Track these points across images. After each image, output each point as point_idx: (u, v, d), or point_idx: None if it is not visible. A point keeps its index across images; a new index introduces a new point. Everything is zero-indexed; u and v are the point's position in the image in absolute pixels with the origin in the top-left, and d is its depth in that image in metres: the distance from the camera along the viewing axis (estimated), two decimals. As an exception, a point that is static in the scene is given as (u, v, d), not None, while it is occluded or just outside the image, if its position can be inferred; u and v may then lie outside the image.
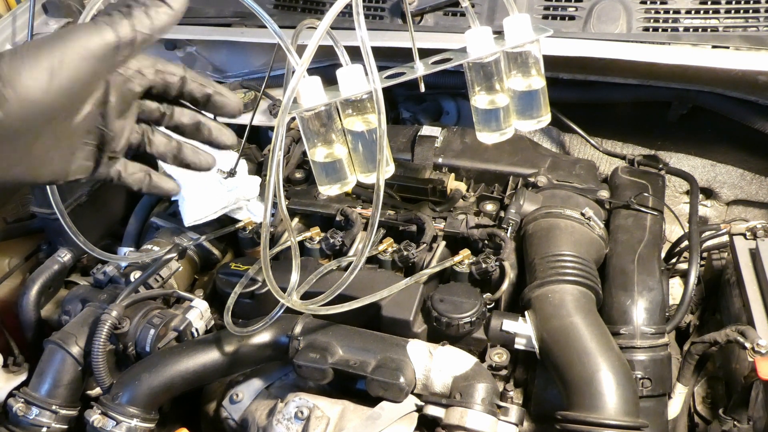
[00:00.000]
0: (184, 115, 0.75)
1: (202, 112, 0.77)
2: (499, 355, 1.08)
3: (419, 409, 1.01)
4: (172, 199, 1.38)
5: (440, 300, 1.10)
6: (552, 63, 1.19)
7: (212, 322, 1.19)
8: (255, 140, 1.67)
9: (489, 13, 1.48)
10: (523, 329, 1.07)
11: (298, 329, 1.06)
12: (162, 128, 0.76)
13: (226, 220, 1.37)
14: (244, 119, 1.61)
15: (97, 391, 1.18)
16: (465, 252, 1.19)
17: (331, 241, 1.26)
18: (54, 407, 1.07)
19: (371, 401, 1.01)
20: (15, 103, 0.56)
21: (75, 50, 0.58)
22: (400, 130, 1.52)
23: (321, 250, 1.27)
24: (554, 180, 1.35)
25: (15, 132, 0.58)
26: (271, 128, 1.64)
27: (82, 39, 0.58)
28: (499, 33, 0.91)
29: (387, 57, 1.26)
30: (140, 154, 0.76)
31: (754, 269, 1.19)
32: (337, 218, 1.32)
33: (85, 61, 0.58)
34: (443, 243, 1.27)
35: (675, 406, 1.14)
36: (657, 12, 1.39)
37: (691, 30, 1.36)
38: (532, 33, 0.90)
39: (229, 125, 0.86)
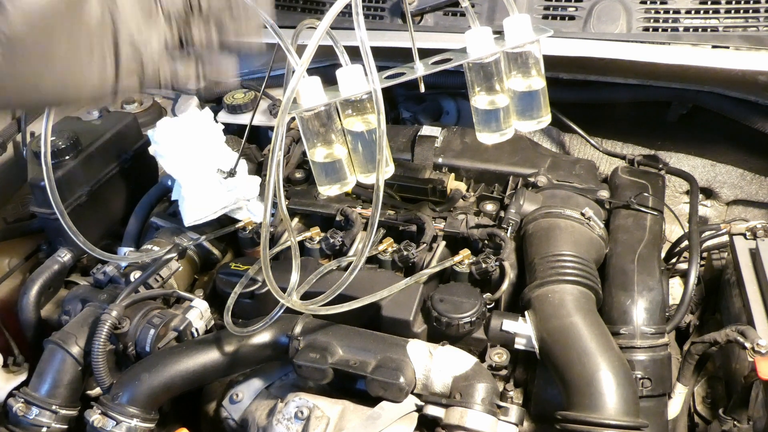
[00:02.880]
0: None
1: None
2: (499, 355, 1.08)
3: (419, 409, 1.01)
4: (172, 199, 1.39)
5: (440, 300, 1.10)
6: (552, 63, 1.19)
7: (212, 322, 1.19)
8: (255, 140, 1.67)
9: (489, 13, 1.48)
10: (523, 329, 1.07)
11: (298, 329, 1.06)
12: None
13: (226, 220, 1.37)
14: (244, 119, 1.62)
15: (97, 391, 1.18)
16: (465, 252, 1.19)
17: (331, 241, 1.26)
18: (54, 407, 1.07)
19: (371, 401, 1.01)
20: (14, 13, 0.58)
21: None
22: (400, 130, 1.52)
23: (321, 250, 1.27)
24: (554, 180, 1.35)
25: (24, 39, 0.60)
26: (271, 128, 1.64)
27: None
28: (499, 33, 0.91)
29: (387, 57, 1.26)
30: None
31: (754, 269, 1.19)
32: (337, 218, 1.32)
33: None
34: (443, 243, 1.27)
35: (675, 406, 1.14)
36: (657, 12, 1.39)
37: (691, 30, 1.36)
38: (532, 33, 0.90)
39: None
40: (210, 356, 1.06)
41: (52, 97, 0.66)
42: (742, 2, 1.35)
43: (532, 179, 1.34)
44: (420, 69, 0.92)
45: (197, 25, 0.73)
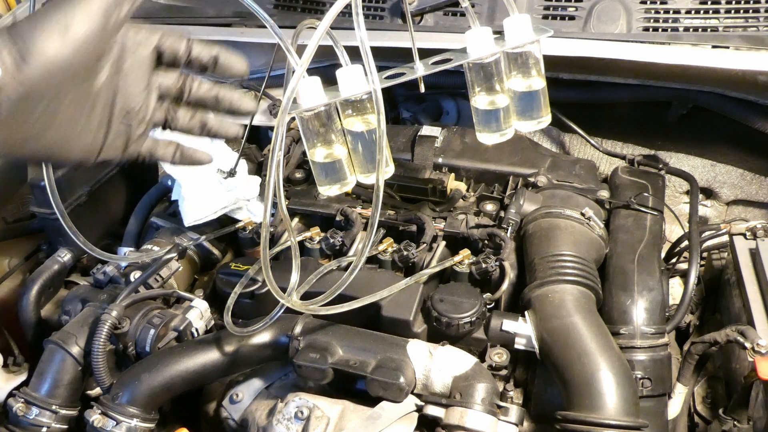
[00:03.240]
0: (201, 88, 0.78)
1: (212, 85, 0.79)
2: (499, 355, 1.08)
3: (419, 409, 1.01)
4: (172, 199, 1.39)
5: (440, 300, 1.10)
6: (552, 63, 1.19)
7: (212, 322, 1.19)
8: (255, 140, 1.67)
9: (489, 13, 1.48)
10: (523, 329, 1.07)
11: (298, 329, 1.06)
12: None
13: (226, 220, 1.37)
14: (245, 119, 1.62)
15: (97, 391, 1.18)
16: (465, 252, 1.19)
17: (331, 241, 1.26)
18: (54, 407, 1.07)
19: (371, 401, 1.01)
20: (36, 64, 0.61)
21: (80, 8, 0.63)
22: (400, 130, 1.52)
23: (321, 250, 1.27)
24: (554, 180, 1.35)
25: (40, 93, 0.63)
26: (271, 128, 1.64)
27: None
28: (499, 33, 0.91)
29: (387, 57, 1.26)
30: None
31: (754, 269, 1.19)
32: (337, 218, 1.32)
33: (91, 16, 0.64)
34: (443, 243, 1.27)
35: (675, 406, 1.14)
36: (657, 12, 1.39)
37: (691, 30, 1.36)
38: (532, 33, 0.90)
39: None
40: (210, 356, 1.06)
41: (49, 152, 0.68)
42: (742, 2, 1.35)
43: (532, 179, 1.34)
44: (420, 69, 0.92)
45: (184, 110, 0.78)
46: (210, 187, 1.31)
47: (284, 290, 0.91)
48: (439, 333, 1.10)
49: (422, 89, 0.97)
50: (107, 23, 0.65)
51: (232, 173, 1.32)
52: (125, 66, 0.71)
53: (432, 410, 0.99)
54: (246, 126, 1.37)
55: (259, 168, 1.51)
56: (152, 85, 0.75)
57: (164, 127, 0.78)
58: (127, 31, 0.71)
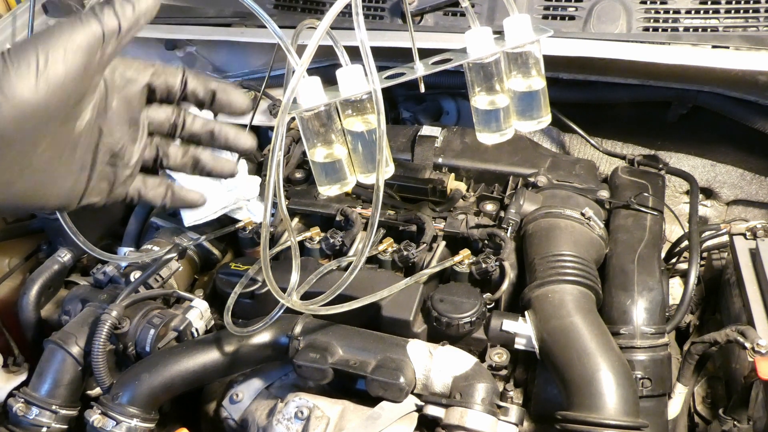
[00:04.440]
0: (195, 123, 0.73)
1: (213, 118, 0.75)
2: (499, 355, 1.08)
3: (419, 409, 1.01)
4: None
5: (440, 300, 1.10)
6: (552, 63, 1.19)
7: (212, 322, 1.19)
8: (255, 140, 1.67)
9: (489, 13, 1.48)
10: (523, 329, 1.07)
11: (298, 329, 1.06)
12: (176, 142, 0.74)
13: (226, 220, 1.37)
14: (244, 119, 1.62)
15: (97, 391, 1.18)
16: (465, 252, 1.19)
17: (331, 241, 1.26)
18: (54, 407, 1.07)
19: (371, 401, 1.01)
20: (5, 107, 0.54)
21: (60, 45, 0.56)
22: (400, 130, 1.52)
23: (321, 250, 1.27)
24: (554, 180, 1.35)
25: (10, 139, 0.56)
26: (271, 128, 1.64)
27: (65, 33, 0.57)
28: (499, 33, 0.91)
29: (387, 57, 1.26)
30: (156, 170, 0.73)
31: (754, 269, 1.19)
32: (337, 218, 1.32)
33: (71, 54, 0.56)
34: (443, 243, 1.27)
35: (675, 406, 1.14)
36: (657, 12, 1.39)
37: (691, 30, 1.36)
38: (532, 33, 0.90)
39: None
40: (210, 356, 1.06)
41: (21, 200, 0.61)
42: (742, 2, 1.35)
43: (532, 179, 1.34)
44: (420, 69, 0.91)
45: (176, 146, 0.72)
46: (210, 187, 1.31)
47: (284, 290, 0.91)
48: (439, 333, 1.10)
49: (422, 89, 0.97)
50: (90, 63, 0.58)
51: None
52: (111, 105, 0.64)
53: (432, 410, 0.99)
54: (246, 126, 1.37)
55: (259, 168, 1.51)
56: (142, 123, 0.68)
57: (154, 165, 0.72)
58: (116, 68, 0.65)
